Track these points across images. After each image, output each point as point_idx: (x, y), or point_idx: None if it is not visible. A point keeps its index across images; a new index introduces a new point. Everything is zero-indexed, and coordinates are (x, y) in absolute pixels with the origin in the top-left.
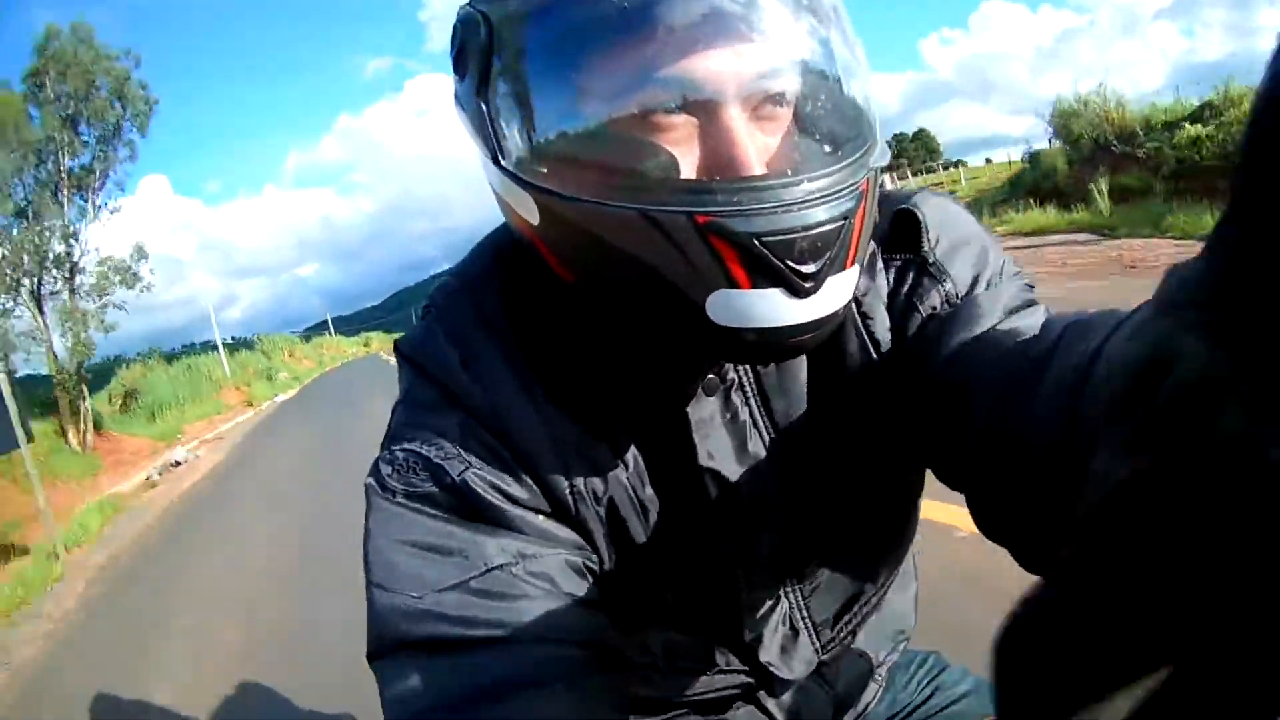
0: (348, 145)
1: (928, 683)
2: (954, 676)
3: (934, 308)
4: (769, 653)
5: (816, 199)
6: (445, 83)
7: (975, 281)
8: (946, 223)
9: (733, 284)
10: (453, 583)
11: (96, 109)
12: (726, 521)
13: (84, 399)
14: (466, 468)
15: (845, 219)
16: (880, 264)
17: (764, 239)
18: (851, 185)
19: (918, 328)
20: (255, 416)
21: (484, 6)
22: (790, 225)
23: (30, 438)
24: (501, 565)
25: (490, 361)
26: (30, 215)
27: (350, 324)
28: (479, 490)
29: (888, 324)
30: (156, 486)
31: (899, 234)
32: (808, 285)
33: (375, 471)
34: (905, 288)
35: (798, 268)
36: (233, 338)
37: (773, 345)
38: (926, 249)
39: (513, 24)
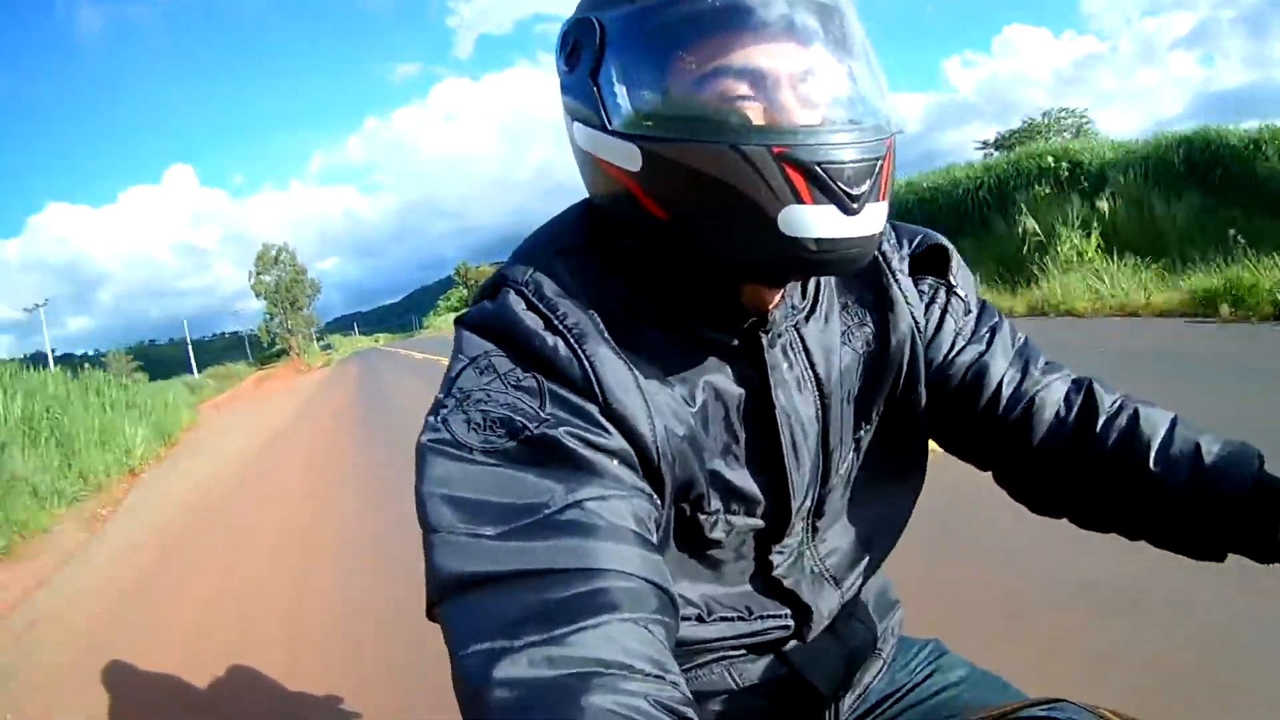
0: (373, 146)
1: (926, 666)
2: (951, 662)
3: (956, 319)
4: (803, 592)
5: (864, 140)
6: (472, 88)
7: (969, 297)
8: (955, 254)
9: (799, 200)
10: (529, 521)
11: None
12: (789, 454)
13: (312, 345)
14: (542, 422)
15: (879, 159)
16: (905, 268)
17: (824, 165)
18: (880, 138)
19: (952, 339)
20: (337, 358)
21: (595, 13)
22: (843, 157)
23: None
24: (575, 503)
25: (575, 324)
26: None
27: (369, 320)
28: (557, 439)
29: (910, 321)
30: (329, 364)
31: (930, 259)
32: (854, 205)
33: (442, 428)
34: (939, 305)
35: (848, 190)
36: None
37: (829, 256)
38: (952, 277)
39: (627, 20)
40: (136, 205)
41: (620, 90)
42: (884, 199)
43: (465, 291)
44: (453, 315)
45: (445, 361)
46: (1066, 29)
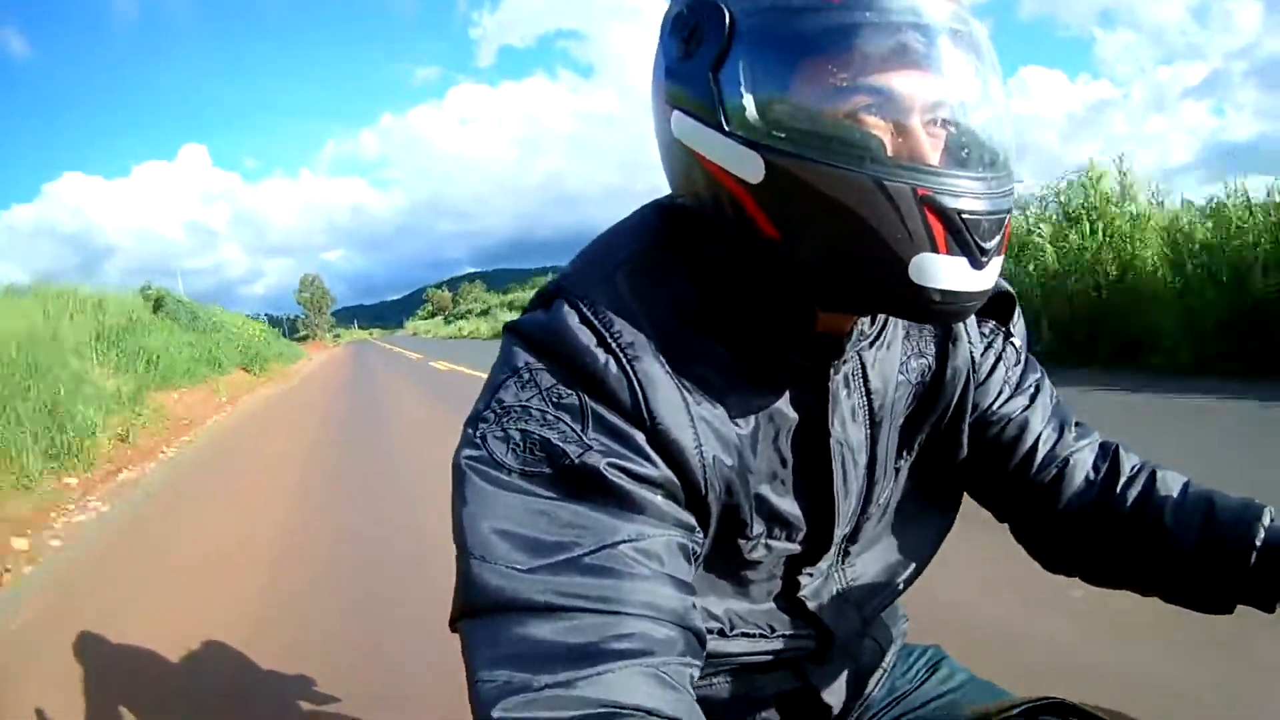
0: (387, 142)
1: (925, 672)
2: (950, 669)
3: (1008, 368)
4: (826, 615)
5: (1001, 192)
6: (489, 93)
7: (1021, 348)
8: (1018, 303)
9: (934, 249)
10: (563, 558)
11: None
12: (836, 484)
13: (332, 333)
14: (586, 450)
15: (1008, 213)
16: (975, 320)
17: (964, 215)
18: (1011, 190)
19: (1000, 387)
20: (343, 342)
21: (725, 1)
22: (983, 209)
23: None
24: (612, 543)
25: (630, 342)
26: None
27: (369, 313)
28: (599, 470)
29: (968, 359)
30: (340, 344)
31: (995, 304)
32: (984, 259)
33: (480, 445)
34: (995, 351)
35: (982, 243)
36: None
37: (950, 307)
38: (1012, 325)
39: (765, 17)
40: (149, 180)
41: (748, 92)
42: (1003, 253)
43: (431, 307)
44: (420, 323)
45: (389, 347)
46: (1081, 73)
